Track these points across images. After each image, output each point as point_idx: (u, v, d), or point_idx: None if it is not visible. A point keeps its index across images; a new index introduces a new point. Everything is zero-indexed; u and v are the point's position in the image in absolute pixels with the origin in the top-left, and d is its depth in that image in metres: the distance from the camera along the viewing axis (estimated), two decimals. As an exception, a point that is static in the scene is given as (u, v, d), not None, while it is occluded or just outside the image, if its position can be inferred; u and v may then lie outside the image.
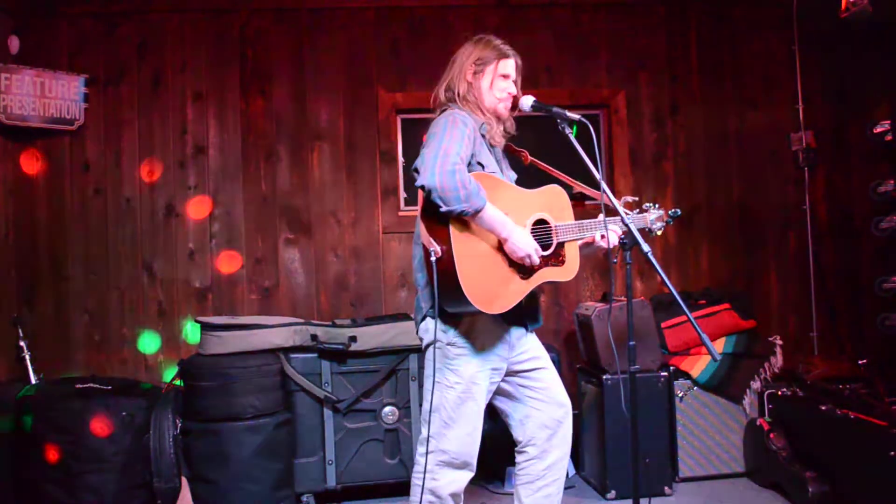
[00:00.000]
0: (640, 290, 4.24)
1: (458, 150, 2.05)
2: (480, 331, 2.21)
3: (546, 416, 2.33)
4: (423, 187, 2.02)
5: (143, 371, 3.94)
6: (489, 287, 2.10)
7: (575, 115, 2.27)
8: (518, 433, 2.37)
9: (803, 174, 4.31)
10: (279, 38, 4.10)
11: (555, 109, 2.28)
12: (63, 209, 3.95)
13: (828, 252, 4.31)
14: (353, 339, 3.42)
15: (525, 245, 2.12)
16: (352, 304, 4.10)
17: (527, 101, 2.32)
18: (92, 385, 3.36)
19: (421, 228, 2.12)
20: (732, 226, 4.32)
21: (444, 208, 2.00)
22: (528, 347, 2.35)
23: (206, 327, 3.40)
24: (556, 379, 2.39)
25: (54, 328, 3.91)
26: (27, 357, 3.57)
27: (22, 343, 3.59)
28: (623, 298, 2.67)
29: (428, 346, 2.26)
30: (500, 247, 2.14)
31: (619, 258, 2.28)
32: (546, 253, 2.23)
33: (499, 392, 2.36)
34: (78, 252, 3.95)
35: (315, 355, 3.45)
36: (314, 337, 3.43)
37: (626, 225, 2.22)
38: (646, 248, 2.12)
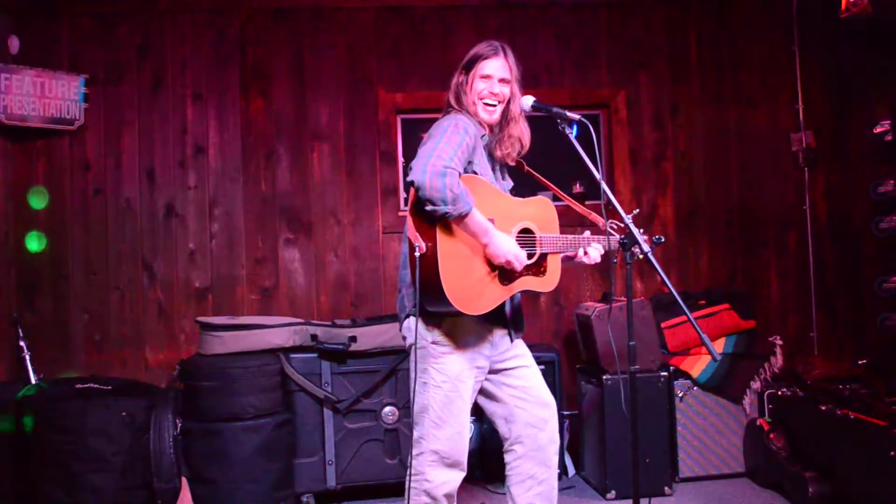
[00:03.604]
0: (640, 290, 4.24)
1: (453, 154, 2.04)
2: (463, 330, 2.22)
3: (530, 414, 2.34)
4: (412, 183, 2.02)
5: (143, 371, 3.94)
6: (469, 288, 2.11)
7: (575, 115, 2.27)
8: (504, 431, 2.38)
9: (803, 174, 4.31)
10: (279, 38, 4.10)
11: (555, 109, 2.28)
12: (63, 209, 3.95)
13: (828, 252, 4.31)
14: (352, 339, 3.42)
15: (505, 251, 2.13)
16: (352, 304, 4.10)
17: (527, 101, 2.32)
18: (92, 385, 3.36)
19: (408, 224, 2.12)
20: (732, 226, 4.32)
21: (429, 208, 2.00)
22: (510, 346, 2.36)
23: (206, 327, 3.40)
24: (539, 377, 2.40)
25: (54, 328, 3.91)
26: (27, 357, 3.56)
27: (22, 343, 3.59)
28: (623, 298, 2.66)
29: (412, 345, 2.26)
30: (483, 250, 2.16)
31: (619, 258, 2.28)
32: (528, 262, 2.24)
33: (482, 391, 2.36)
34: (78, 252, 3.95)
35: (315, 355, 3.45)
36: (314, 337, 3.43)
37: (627, 225, 2.21)
38: (645, 248, 2.13)
